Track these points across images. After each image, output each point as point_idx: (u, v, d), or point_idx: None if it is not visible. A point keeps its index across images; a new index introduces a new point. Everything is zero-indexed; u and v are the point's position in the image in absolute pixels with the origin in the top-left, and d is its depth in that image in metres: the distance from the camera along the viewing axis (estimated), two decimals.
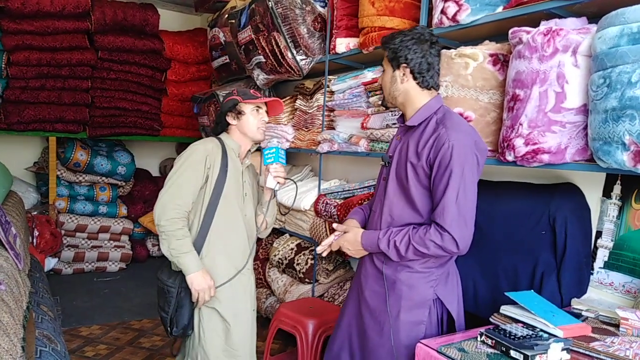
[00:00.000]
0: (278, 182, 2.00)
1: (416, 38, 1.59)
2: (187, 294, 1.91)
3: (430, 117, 1.61)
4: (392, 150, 1.73)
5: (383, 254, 1.65)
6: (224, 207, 1.94)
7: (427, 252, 1.54)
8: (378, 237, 1.63)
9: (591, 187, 1.92)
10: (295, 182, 2.31)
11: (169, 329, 1.95)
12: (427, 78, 1.61)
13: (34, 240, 3.93)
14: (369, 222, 1.80)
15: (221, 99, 2.03)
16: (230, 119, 2.01)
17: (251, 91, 2.05)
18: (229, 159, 1.98)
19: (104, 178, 4.73)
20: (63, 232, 4.46)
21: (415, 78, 1.61)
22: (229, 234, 1.97)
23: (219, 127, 2.06)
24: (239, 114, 1.99)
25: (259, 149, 3.70)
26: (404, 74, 1.62)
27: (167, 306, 1.93)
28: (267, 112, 2.06)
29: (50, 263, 4.40)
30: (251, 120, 2.00)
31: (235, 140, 2.04)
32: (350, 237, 1.74)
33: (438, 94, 1.68)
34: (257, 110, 2.01)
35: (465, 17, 2.00)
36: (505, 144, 1.76)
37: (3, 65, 4.02)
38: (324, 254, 1.84)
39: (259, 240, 3.74)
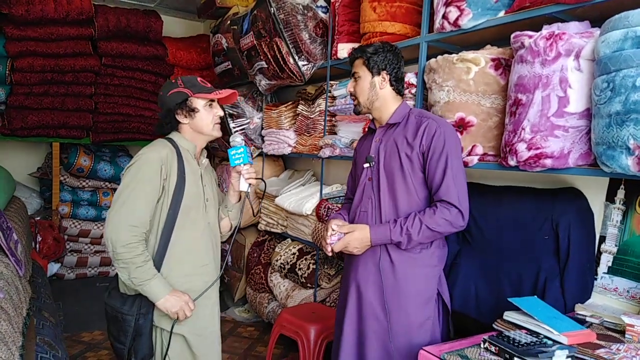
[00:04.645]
0: (250, 184, 1.82)
1: (392, 51, 1.84)
2: (147, 320, 1.69)
3: (407, 114, 1.83)
4: (373, 151, 1.85)
5: (386, 251, 1.74)
6: (184, 219, 1.72)
7: (439, 228, 1.66)
8: (390, 229, 1.70)
9: (594, 191, 1.90)
10: (264, 180, 2.20)
11: None
12: (399, 86, 1.86)
13: (37, 246, 3.93)
14: (360, 223, 1.83)
15: (163, 91, 1.75)
16: (180, 118, 1.76)
17: (199, 80, 1.79)
18: (186, 163, 1.75)
19: (107, 183, 4.73)
20: (66, 237, 4.46)
21: (391, 85, 1.84)
22: (191, 248, 1.76)
23: (169, 127, 1.80)
24: (191, 111, 1.75)
25: (261, 154, 3.76)
26: (383, 80, 1.82)
27: (122, 336, 1.68)
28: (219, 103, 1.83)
29: (52, 268, 4.40)
30: (205, 117, 1.76)
31: (189, 139, 1.80)
32: (358, 235, 1.75)
33: (404, 100, 1.91)
34: (210, 104, 1.78)
35: (467, 22, 1.99)
36: (508, 149, 1.75)
37: (7, 72, 4.03)
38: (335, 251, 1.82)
39: (261, 244, 3.75)
